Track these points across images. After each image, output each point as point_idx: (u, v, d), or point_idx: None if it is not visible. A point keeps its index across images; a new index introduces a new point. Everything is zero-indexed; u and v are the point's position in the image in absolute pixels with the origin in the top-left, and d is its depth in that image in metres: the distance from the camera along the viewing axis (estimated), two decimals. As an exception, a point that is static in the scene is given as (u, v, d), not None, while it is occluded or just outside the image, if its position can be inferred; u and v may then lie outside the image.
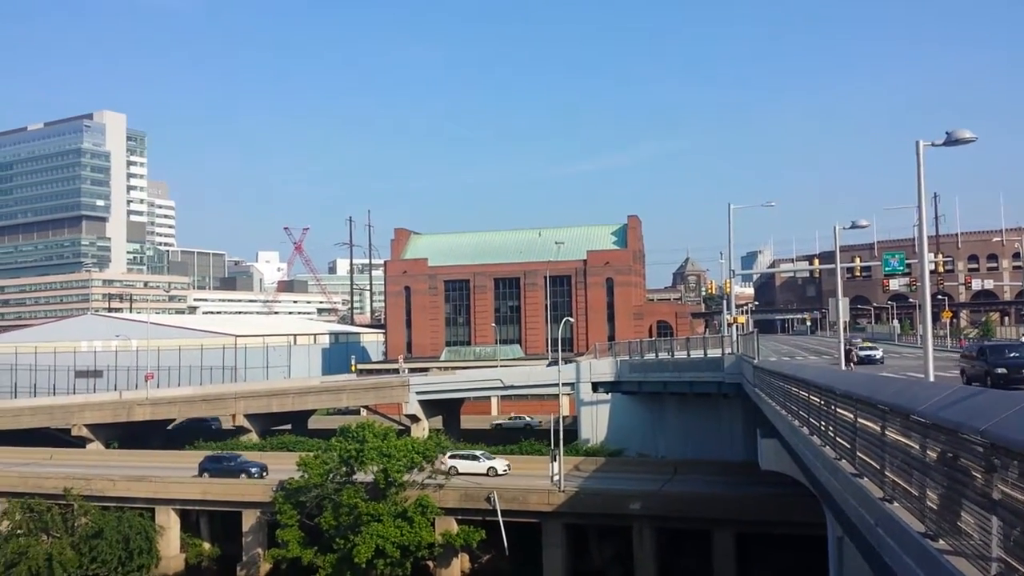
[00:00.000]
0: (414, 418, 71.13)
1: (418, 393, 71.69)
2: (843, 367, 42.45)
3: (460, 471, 53.56)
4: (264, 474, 56.86)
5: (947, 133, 29.26)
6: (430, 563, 48.75)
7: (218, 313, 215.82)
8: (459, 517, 48.80)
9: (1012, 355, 30.77)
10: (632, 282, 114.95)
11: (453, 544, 47.59)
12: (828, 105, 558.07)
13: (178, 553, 55.96)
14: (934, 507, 9.79)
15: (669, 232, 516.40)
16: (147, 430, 76.77)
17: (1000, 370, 29.11)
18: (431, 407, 72.83)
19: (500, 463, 55.18)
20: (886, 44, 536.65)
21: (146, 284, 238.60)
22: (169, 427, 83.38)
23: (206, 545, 56.91)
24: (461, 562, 49.41)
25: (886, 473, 12.47)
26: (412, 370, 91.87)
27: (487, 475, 53.81)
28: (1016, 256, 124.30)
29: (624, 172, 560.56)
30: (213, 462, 59.39)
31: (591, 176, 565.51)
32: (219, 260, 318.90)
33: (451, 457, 54.83)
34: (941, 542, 9.24)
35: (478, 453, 56.28)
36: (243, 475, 57.00)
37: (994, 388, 25.67)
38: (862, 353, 54.79)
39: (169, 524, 55.71)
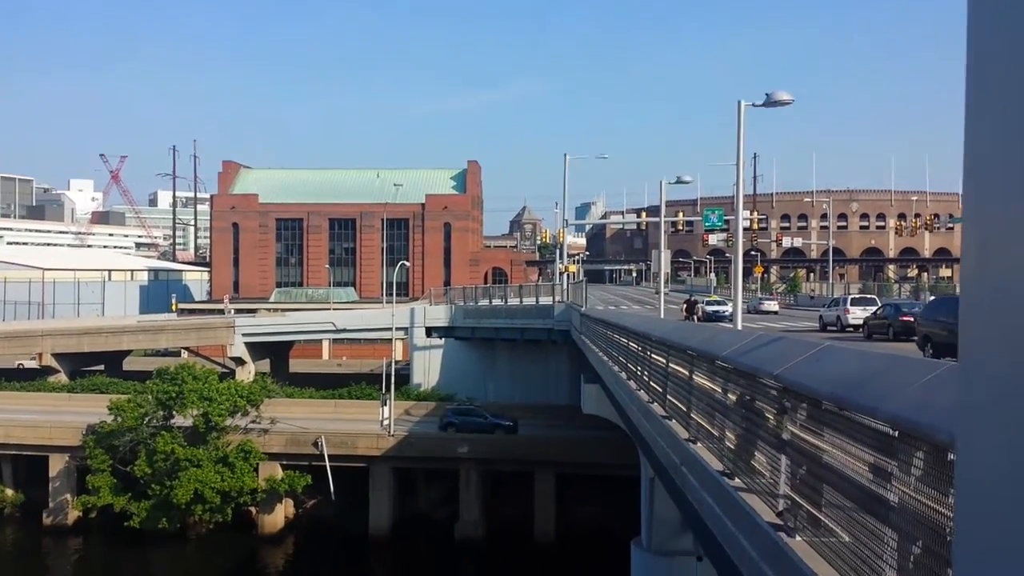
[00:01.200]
0: (240, 361, 68.80)
1: (245, 335, 69.30)
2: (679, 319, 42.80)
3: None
4: (515, 431, 50.37)
5: (766, 94, 30.58)
6: (252, 509, 47.74)
7: (24, 244, 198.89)
8: (284, 462, 47.97)
9: None
10: (470, 228, 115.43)
11: (277, 489, 46.81)
12: (671, 61, 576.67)
13: (-24, 500, 51.99)
14: (732, 447, 10.18)
15: (508, 179, 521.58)
16: (-61, 370, 70.23)
17: None
18: (258, 350, 70.65)
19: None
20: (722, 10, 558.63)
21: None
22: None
23: (8, 491, 53.12)
24: (285, 507, 48.73)
25: (692, 415, 12.98)
26: (239, 311, 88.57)
27: None
28: (824, 217, 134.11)
29: (465, 116, 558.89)
30: (460, 415, 51.60)
31: (433, 119, 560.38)
32: (26, 186, 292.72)
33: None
34: (737, 480, 9.60)
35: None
36: (498, 431, 49.83)
37: None
38: (709, 308, 50.93)
39: (-34, 469, 51.57)
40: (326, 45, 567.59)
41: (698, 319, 44.78)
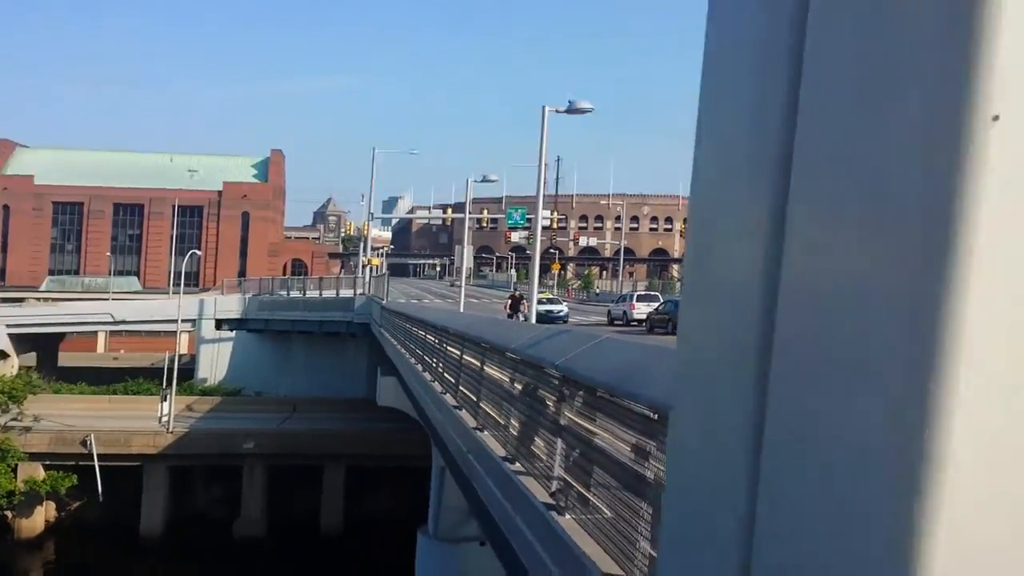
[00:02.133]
0: (2, 354, 62.50)
1: (9, 326, 62.96)
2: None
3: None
4: None
5: (569, 102, 31.96)
6: (9, 513, 43.56)
7: None
8: (48, 463, 44.00)
9: None
10: (270, 218, 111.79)
11: (38, 491, 42.87)
12: (485, 70, 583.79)
13: None
14: (515, 434, 10.47)
15: (316, 172, 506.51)
16: None
17: None
18: (24, 342, 64.47)
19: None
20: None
21: None
22: None
23: None
24: (46, 510, 44.69)
25: (481, 405, 13.23)
26: (4, 300, 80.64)
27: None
28: (618, 219, 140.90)
29: (272, 104, 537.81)
30: None
31: (237, 104, 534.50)
32: None
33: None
34: (517, 464, 9.86)
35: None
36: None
37: None
38: (541, 308, 40.52)
39: None
40: (113, 26, 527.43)
41: (524, 318, 38.90)
